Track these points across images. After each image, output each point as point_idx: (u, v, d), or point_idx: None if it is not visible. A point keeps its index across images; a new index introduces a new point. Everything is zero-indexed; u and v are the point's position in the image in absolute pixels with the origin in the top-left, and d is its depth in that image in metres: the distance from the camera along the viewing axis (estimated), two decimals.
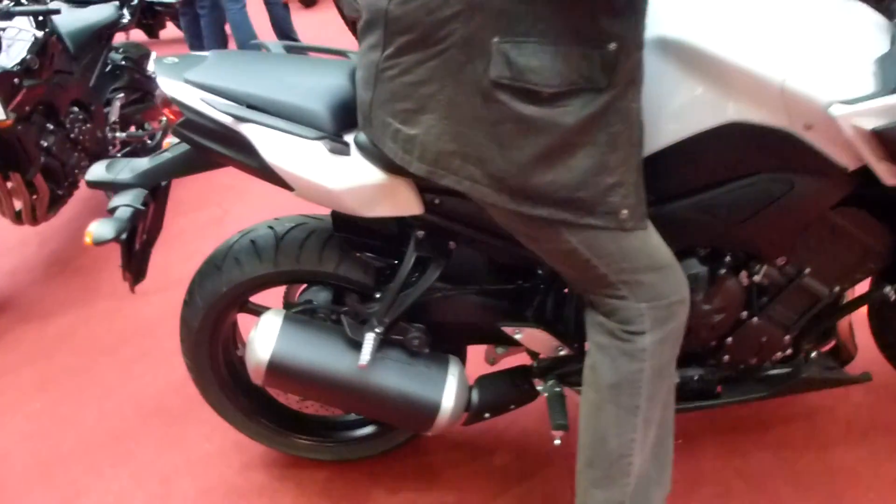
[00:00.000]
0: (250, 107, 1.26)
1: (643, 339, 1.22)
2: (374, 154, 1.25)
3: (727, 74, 1.15)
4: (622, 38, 1.06)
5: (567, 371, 1.50)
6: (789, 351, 1.47)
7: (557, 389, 1.48)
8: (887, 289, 1.43)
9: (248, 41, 4.79)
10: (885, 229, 1.34)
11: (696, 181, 1.26)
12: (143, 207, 1.41)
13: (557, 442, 1.43)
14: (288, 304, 1.59)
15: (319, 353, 1.39)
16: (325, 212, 1.61)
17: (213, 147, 1.31)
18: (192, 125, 1.30)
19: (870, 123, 1.07)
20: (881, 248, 1.35)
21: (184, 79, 1.30)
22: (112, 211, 1.39)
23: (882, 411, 1.82)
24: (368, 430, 1.77)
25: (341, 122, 1.29)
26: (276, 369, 1.38)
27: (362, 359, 1.32)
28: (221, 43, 5.09)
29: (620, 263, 1.19)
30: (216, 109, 1.25)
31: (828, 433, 1.77)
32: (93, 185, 1.44)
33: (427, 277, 1.38)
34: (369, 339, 1.36)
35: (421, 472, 1.79)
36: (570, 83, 1.05)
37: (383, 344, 1.41)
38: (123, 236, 1.37)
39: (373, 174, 1.26)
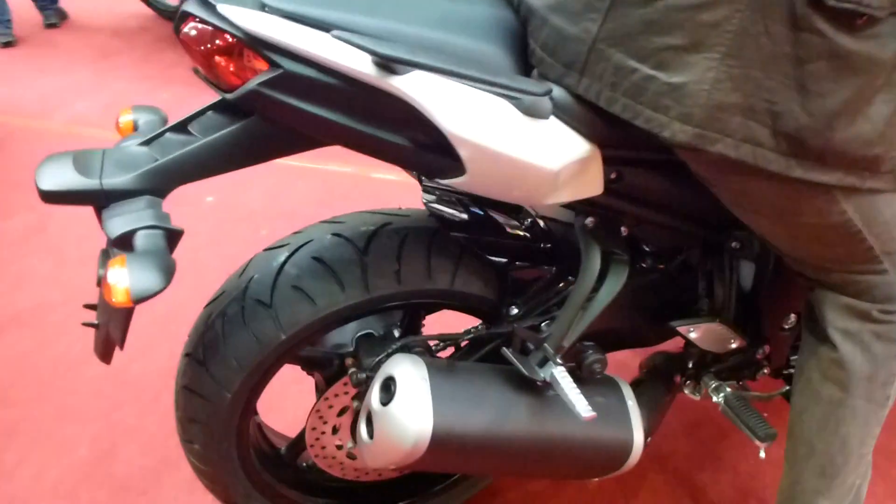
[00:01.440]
0: None
1: None
2: (577, 115, 0.86)
3: None
4: None
5: (726, 367, 1.24)
6: None
7: (728, 390, 1.20)
8: None
9: None
10: None
11: None
12: (177, 228, 0.84)
13: (762, 455, 1.17)
14: (372, 341, 1.11)
15: (491, 409, 0.95)
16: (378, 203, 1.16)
17: (332, 117, 0.80)
18: (293, 83, 0.78)
19: None
20: None
21: (264, 7, 0.77)
22: (123, 241, 0.81)
23: None
24: (442, 483, 1.36)
25: (520, 69, 0.87)
26: (441, 444, 0.92)
27: (581, 409, 0.92)
28: None
29: (892, 231, 0.95)
30: (375, 54, 0.74)
31: None
32: (59, 197, 0.82)
33: (615, 279, 1.01)
34: (564, 377, 0.96)
35: None
36: (893, 4, 0.77)
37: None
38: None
39: (576, 145, 0.87)
